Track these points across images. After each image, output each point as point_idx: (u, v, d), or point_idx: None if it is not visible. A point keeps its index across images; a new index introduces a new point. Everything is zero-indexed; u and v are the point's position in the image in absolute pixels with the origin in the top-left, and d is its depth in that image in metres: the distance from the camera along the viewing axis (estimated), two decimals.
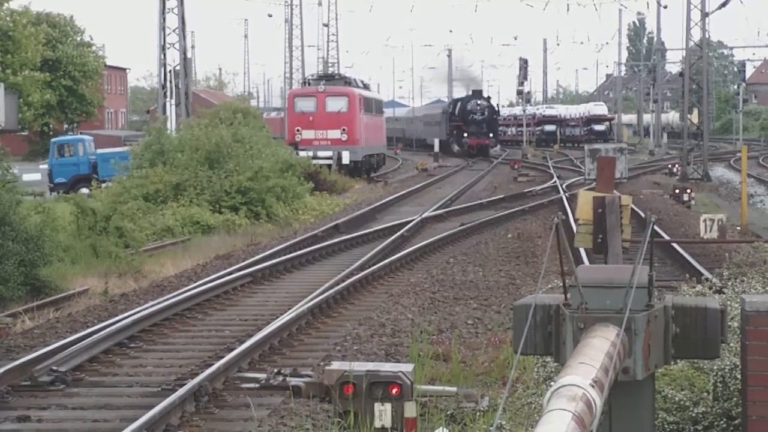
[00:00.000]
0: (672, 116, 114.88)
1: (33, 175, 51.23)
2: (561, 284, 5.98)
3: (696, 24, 54.39)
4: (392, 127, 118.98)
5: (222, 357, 13.84)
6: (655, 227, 5.81)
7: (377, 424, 10.43)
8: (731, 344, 7.80)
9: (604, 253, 14.98)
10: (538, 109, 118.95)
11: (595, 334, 5.35)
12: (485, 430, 10.36)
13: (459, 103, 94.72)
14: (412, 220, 31.93)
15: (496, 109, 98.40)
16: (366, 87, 66.81)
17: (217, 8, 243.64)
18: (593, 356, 4.94)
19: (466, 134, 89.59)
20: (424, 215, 33.95)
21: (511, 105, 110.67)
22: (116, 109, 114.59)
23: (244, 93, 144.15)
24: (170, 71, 45.86)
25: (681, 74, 58.87)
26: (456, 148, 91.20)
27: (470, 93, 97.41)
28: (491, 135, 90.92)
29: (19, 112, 36.77)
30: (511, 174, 60.45)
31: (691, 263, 22.05)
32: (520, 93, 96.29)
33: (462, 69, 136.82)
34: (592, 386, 4.48)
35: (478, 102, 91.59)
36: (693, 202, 39.24)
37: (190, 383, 12.29)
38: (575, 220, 16.34)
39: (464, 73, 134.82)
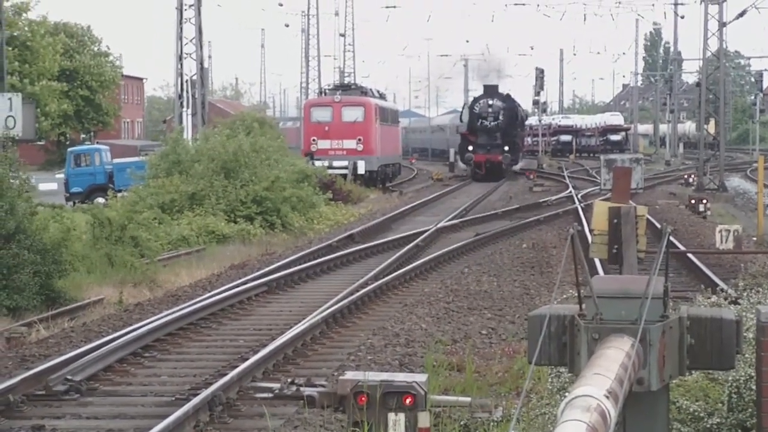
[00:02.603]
0: (688, 126, 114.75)
1: (49, 184, 51.35)
2: (576, 295, 5.96)
3: (713, 34, 54.35)
4: (437, 138, 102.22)
5: (236, 366, 13.83)
6: (671, 238, 5.79)
7: None
8: (746, 355, 7.76)
9: (619, 264, 14.95)
10: (554, 119, 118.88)
11: (609, 345, 5.33)
12: None
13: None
14: (427, 230, 31.92)
15: (519, 111, 75.78)
16: (382, 97, 66.88)
17: (234, 18, 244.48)
18: (608, 367, 4.92)
19: (471, 147, 68.40)
20: (438, 225, 33.93)
21: (526, 115, 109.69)
22: (133, 119, 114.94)
23: (260, 103, 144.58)
24: (187, 81, 45.96)
25: (698, 84, 58.81)
26: (461, 165, 71.70)
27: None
28: (507, 148, 68.43)
29: (36, 121, 37.00)
30: (527, 184, 60.41)
31: (706, 274, 21.97)
32: (536, 103, 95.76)
33: (477, 61, 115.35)
34: (607, 397, 4.46)
35: (490, 102, 69.76)
36: (709, 213, 39.15)
37: (204, 393, 12.28)
38: (590, 231, 16.31)
39: (480, 68, 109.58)
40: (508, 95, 72.52)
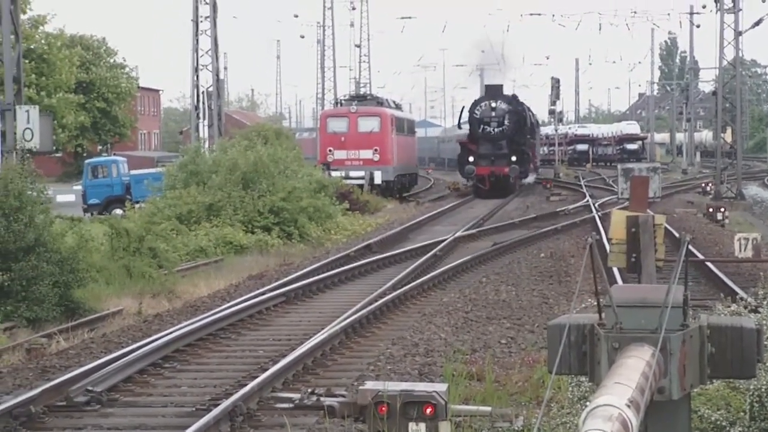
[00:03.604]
0: (705, 135, 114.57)
1: (67, 196, 51.56)
2: (595, 304, 5.97)
3: (729, 43, 54.28)
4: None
5: (256, 377, 13.87)
6: (689, 246, 5.81)
7: None
8: (767, 364, 7.76)
9: (637, 273, 14.95)
10: (570, 128, 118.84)
11: (630, 354, 5.34)
12: None
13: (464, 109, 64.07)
14: (445, 240, 31.92)
15: (529, 115, 66.14)
16: (398, 107, 66.84)
17: (249, 30, 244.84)
18: (629, 376, 4.93)
19: (472, 158, 59.59)
20: (456, 235, 33.93)
21: (543, 124, 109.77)
22: (149, 131, 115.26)
23: (276, 114, 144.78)
24: (203, 92, 46.08)
25: (714, 93, 58.71)
26: (461, 180, 63.08)
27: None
28: (514, 159, 59.56)
29: (53, 134, 37.19)
30: (544, 193, 60.32)
31: (725, 282, 21.94)
32: (552, 112, 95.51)
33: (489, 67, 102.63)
34: (628, 406, 4.47)
35: (493, 105, 60.67)
36: (727, 221, 39.08)
37: (225, 403, 12.32)
38: (609, 240, 16.31)
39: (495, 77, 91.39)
40: (514, 96, 63.81)
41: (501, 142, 59.74)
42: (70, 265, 21.30)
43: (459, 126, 64.71)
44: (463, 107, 64.58)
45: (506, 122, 60.08)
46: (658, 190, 45.95)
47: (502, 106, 60.66)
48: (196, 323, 17.93)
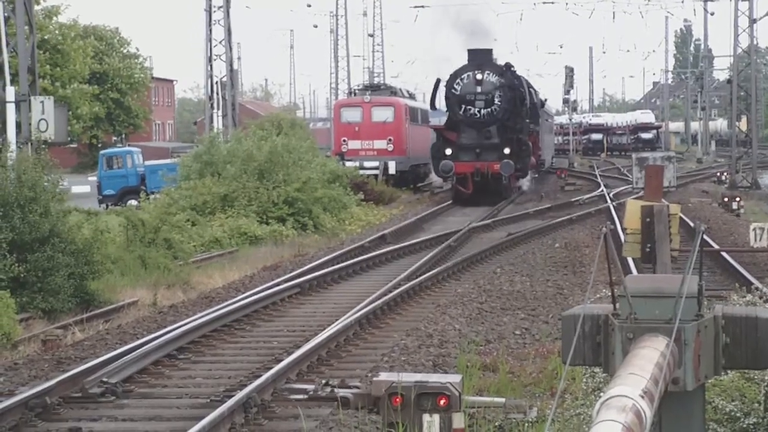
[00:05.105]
0: (720, 124, 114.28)
1: (82, 187, 51.71)
2: (609, 294, 5.96)
3: (744, 30, 54.14)
4: None
5: (270, 368, 13.88)
6: (704, 236, 5.78)
7: None
8: None
9: (652, 263, 14.94)
10: (584, 117, 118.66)
11: (644, 345, 5.33)
12: None
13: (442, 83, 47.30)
14: (459, 230, 31.90)
15: (529, 92, 51.05)
16: (412, 97, 66.71)
17: (262, 20, 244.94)
18: (643, 367, 4.92)
19: (449, 150, 45.41)
20: (470, 225, 33.91)
21: (557, 113, 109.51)
22: (163, 121, 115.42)
23: (290, 104, 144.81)
24: (217, 83, 46.08)
25: (729, 81, 58.55)
26: (435, 179, 51.24)
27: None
28: (507, 151, 44.85)
29: (68, 124, 37.17)
30: (558, 183, 60.25)
31: (740, 272, 21.90)
32: (566, 101, 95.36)
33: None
34: (642, 397, 4.46)
35: (478, 77, 45.58)
36: (742, 211, 38.99)
37: (239, 394, 12.34)
38: (623, 230, 16.29)
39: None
40: (507, 66, 47.76)
41: (489, 129, 45.56)
42: (85, 256, 21.35)
43: (432, 106, 49.94)
44: (438, 80, 47.73)
45: (497, 101, 45.68)
46: (672, 179, 45.86)
47: (491, 78, 45.99)
48: (211, 314, 17.96)
